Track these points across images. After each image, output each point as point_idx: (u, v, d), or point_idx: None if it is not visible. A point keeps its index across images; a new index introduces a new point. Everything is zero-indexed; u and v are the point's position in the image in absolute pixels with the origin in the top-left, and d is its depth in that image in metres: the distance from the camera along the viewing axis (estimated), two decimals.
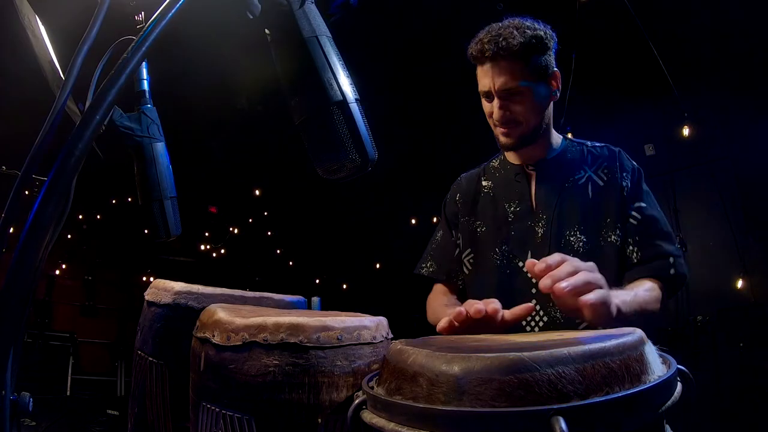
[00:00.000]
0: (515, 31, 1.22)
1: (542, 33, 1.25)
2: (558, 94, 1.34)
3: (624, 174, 1.32)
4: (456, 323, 0.90)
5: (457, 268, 1.46)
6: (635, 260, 1.26)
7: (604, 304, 0.87)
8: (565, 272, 0.85)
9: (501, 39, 1.21)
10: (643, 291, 1.17)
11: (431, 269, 1.50)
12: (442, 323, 0.92)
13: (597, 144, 1.41)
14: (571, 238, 1.28)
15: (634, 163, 1.37)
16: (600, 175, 1.34)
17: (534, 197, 1.37)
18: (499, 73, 1.23)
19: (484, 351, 0.50)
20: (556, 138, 1.41)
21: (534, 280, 1.28)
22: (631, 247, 1.27)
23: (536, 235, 1.32)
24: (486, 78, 1.26)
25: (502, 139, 1.31)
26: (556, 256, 0.87)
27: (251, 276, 8.25)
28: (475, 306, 0.89)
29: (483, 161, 1.55)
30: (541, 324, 1.28)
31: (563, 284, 0.83)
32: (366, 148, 0.68)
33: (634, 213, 1.29)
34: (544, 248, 1.29)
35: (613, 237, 1.27)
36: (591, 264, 0.90)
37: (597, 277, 0.89)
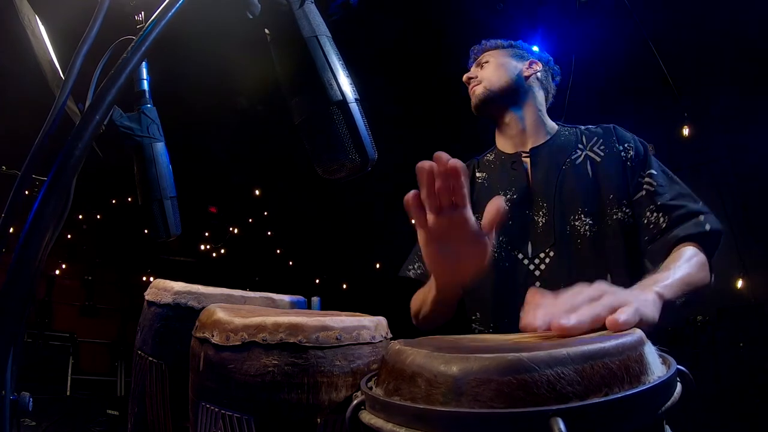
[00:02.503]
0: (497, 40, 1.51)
1: (521, 43, 1.50)
2: (537, 77, 1.45)
3: (625, 146, 1.29)
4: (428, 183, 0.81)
5: None
6: (664, 225, 1.17)
7: (639, 321, 0.67)
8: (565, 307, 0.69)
9: (482, 42, 1.52)
10: (684, 263, 1.05)
11: (419, 271, 1.40)
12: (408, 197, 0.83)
13: (590, 126, 1.41)
14: (576, 223, 1.24)
15: (636, 136, 1.33)
16: (597, 152, 1.32)
17: (531, 184, 1.33)
18: (478, 60, 1.50)
19: (483, 351, 0.50)
20: (551, 127, 1.43)
21: (537, 273, 1.24)
22: (655, 214, 1.19)
23: (536, 225, 1.28)
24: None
25: (471, 98, 1.45)
26: (546, 298, 0.72)
27: (251, 276, 8.25)
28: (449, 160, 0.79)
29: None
30: None
31: (571, 320, 0.63)
32: (366, 147, 0.68)
33: (647, 179, 1.24)
34: (547, 238, 1.25)
35: (619, 214, 1.22)
36: (597, 287, 0.73)
37: (610, 291, 0.72)
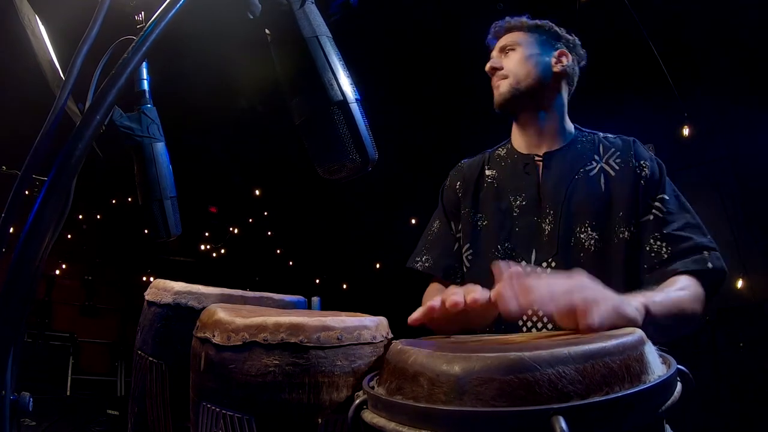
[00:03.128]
0: (522, 17, 1.39)
1: (547, 23, 1.39)
2: (566, 72, 1.34)
3: (641, 163, 1.23)
4: (429, 317, 0.81)
5: (456, 264, 1.36)
6: (665, 256, 1.13)
7: (614, 312, 0.71)
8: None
9: (506, 19, 1.40)
10: (675, 290, 1.05)
11: (427, 264, 1.37)
12: (413, 316, 0.82)
13: (610, 135, 1.34)
14: (582, 236, 1.20)
15: (654, 155, 1.29)
16: (612, 165, 1.26)
17: (541, 190, 1.28)
18: (501, 41, 1.38)
19: (485, 351, 0.50)
20: (569, 129, 1.36)
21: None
22: (658, 243, 1.15)
23: (542, 232, 1.23)
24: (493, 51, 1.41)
25: (494, 93, 1.36)
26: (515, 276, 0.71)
27: (251, 276, 8.25)
28: (452, 297, 0.78)
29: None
30: (549, 326, 1.17)
31: (548, 308, 0.69)
32: (366, 148, 0.68)
33: (656, 204, 1.19)
34: (551, 247, 1.21)
35: (625, 233, 1.18)
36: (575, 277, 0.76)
37: (589, 286, 0.74)
